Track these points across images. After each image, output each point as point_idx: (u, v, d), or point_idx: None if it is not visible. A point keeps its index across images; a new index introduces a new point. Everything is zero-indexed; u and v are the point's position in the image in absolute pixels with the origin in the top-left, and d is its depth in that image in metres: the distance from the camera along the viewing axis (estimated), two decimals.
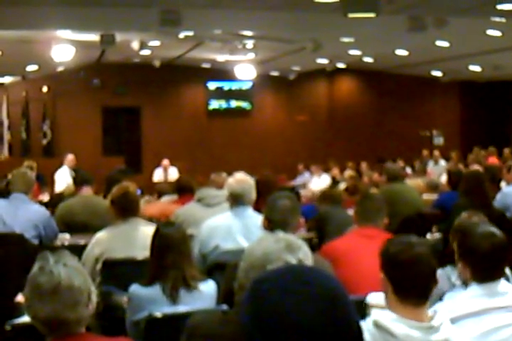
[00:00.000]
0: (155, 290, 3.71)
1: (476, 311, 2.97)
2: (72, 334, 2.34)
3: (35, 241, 5.60)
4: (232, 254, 4.38)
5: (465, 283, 3.20)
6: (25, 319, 2.79)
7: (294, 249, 2.51)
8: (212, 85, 19.74)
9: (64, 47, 13.29)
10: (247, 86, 19.82)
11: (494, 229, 3.20)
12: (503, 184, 8.32)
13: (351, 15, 8.64)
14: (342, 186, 10.19)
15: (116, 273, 4.56)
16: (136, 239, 4.74)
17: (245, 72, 17.79)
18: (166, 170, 15.56)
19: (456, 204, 6.30)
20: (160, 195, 8.18)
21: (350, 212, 5.74)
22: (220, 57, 16.61)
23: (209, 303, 3.76)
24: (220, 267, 4.34)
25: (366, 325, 2.55)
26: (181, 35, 12.97)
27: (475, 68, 16.90)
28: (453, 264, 3.45)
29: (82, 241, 5.52)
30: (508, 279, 3.44)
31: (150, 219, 5.79)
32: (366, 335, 2.47)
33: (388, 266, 2.69)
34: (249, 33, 13.03)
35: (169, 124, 19.35)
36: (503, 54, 13.88)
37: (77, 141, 18.02)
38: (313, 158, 18.15)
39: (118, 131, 19.52)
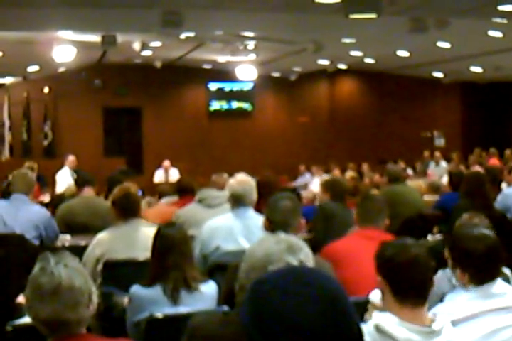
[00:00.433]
0: (156, 291, 3.71)
1: (476, 313, 2.97)
2: (73, 334, 2.34)
3: (36, 242, 5.58)
4: (233, 255, 4.38)
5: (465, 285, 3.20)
6: (26, 320, 2.79)
7: (295, 250, 2.51)
8: (213, 86, 19.73)
9: (65, 47, 13.30)
10: (248, 87, 19.80)
11: (486, 231, 3.21)
12: (504, 185, 8.33)
13: (352, 16, 8.64)
14: None
15: (117, 273, 4.55)
16: (137, 240, 4.73)
17: (246, 73, 17.77)
18: (167, 171, 15.55)
19: (457, 205, 6.30)
20: (161, 195, 8.16)
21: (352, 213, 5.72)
22: (221, 58, 16.61)
23: (210, 304, 3.76)
24: (220, 268, 4.34)
25: (367, 328, 2.55)
26: (182, 36, 12.97)
27: (476, 69, 16.88)
28: None
29: (82, 242, 5.52)
30: (508, 280, 3.44)
31: None
32: (367, 338, 2.47)
33: (385, 269, 2.70)
34: (250, 34, 13.03)
35: (170, 125, 19.33)
36: (504, 55, 13.87)
37: (78, 141, 18.01)
38: (314, 159, 18.16)
39: (119, 132, 19.49)
